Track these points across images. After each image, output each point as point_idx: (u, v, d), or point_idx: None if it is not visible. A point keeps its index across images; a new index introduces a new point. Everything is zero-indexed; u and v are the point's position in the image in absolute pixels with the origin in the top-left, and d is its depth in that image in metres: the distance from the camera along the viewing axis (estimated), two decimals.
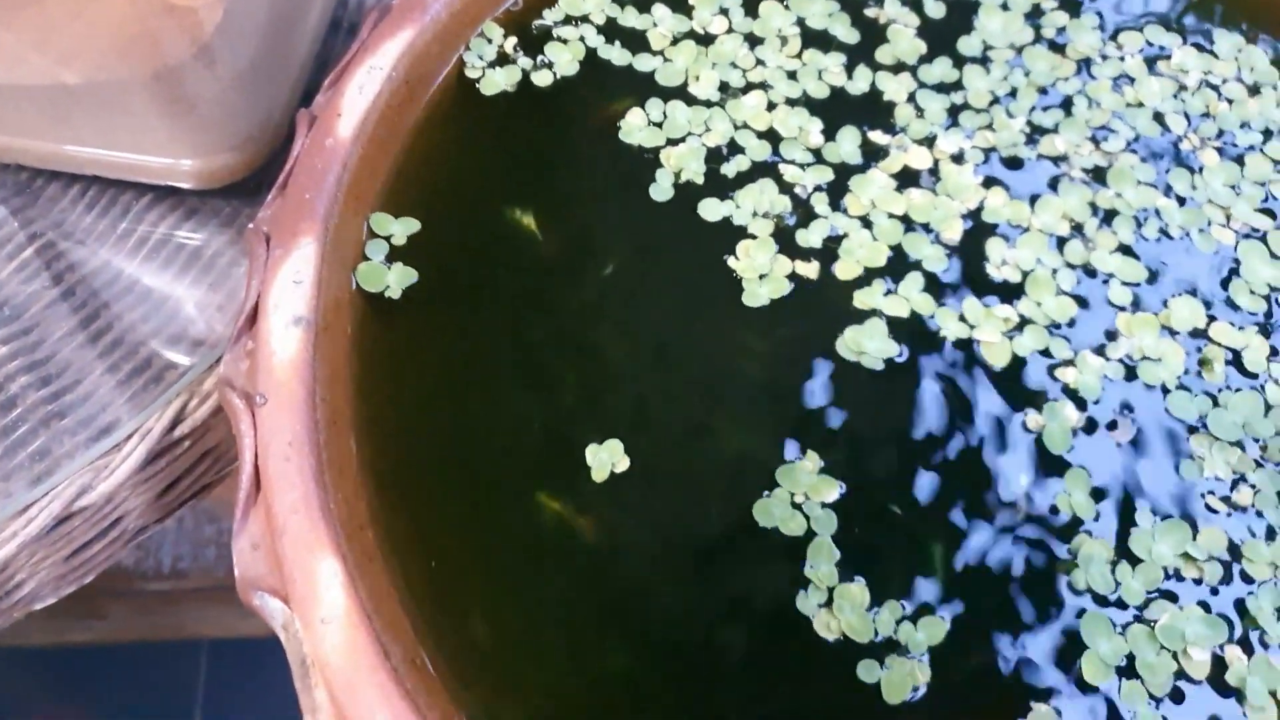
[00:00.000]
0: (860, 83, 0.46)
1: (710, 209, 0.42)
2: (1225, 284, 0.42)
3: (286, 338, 0.37)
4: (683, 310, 0.41)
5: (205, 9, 0.45)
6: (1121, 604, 0.35)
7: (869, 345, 0.39)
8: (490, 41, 0.47)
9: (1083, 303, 0.41)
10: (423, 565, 0.36)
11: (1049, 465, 0.37)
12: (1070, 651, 0.34)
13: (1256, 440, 0.38)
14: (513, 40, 0.47)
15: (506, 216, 0.43)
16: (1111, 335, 0.40)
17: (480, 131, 0.45)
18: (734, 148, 0.44)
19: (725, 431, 0.38)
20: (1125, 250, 0.42)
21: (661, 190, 0.43)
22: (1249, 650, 0.34)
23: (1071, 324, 0.40)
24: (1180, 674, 0.33)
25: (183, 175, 0.49)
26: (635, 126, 0.45)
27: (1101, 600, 0.35)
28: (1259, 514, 0.36)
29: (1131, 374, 0.39)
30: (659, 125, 0.45)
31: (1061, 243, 0.42)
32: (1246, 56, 0.47)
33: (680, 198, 0.43)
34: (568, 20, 0.47)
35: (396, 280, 0.41)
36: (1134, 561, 0.35)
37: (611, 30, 0.47)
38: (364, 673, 0.32)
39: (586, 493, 0.37)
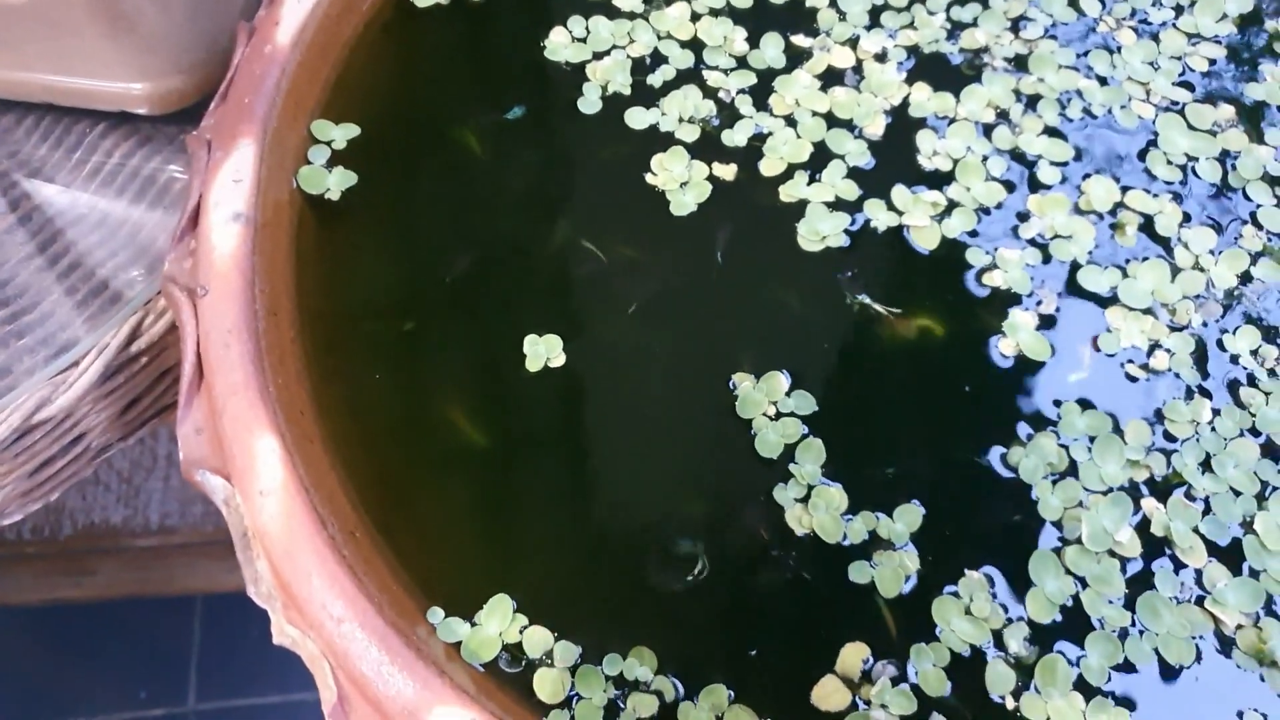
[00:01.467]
0: None
1: (636, 117, 0.43)
2: (1143, 155, 0.42)
3: (226, 233, 0.38)
4: (614, 219, 0.41)
5: None
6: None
7: (823, 227, 0.40)
8: None
9: (1011, 186, 0.42)
10: (360, 449, 0.37)
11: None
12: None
13: (1165, 305, 0.39)
14: None
15: (441, 127, 0.43)
16: (1024, 216, 0.41)
17: (417, 43, 0.45)
18: (658, 58, 0.45)
19: (665, 338, 0.39)
20: (1051, 132, 0.43)
21: (589, 103, 0.43)
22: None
23: (1000, 207, 0.41)
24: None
25: (134, 100, 0.50)
26: (560, 44, 0.45)
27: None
28: (1176, 375, 0.38)
29: (1046, 254, 0.40)
30: (583, 40, 0.45)
31: (989, 130, 0.43)
32: None
33: (609, 109, 0.43)
34: None
35: (336, 183, 0.41)
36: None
37: None
38: (302, 541, 0.32)
39: (522, 382, 0.38)
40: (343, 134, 0.42)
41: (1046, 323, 0.39)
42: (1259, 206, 0.41)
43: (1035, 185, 0.42)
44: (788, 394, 0.37)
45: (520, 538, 0.36)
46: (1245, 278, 0.40)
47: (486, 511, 0.36)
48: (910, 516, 0.35)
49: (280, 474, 0.33)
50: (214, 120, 0.41)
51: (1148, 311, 0.39)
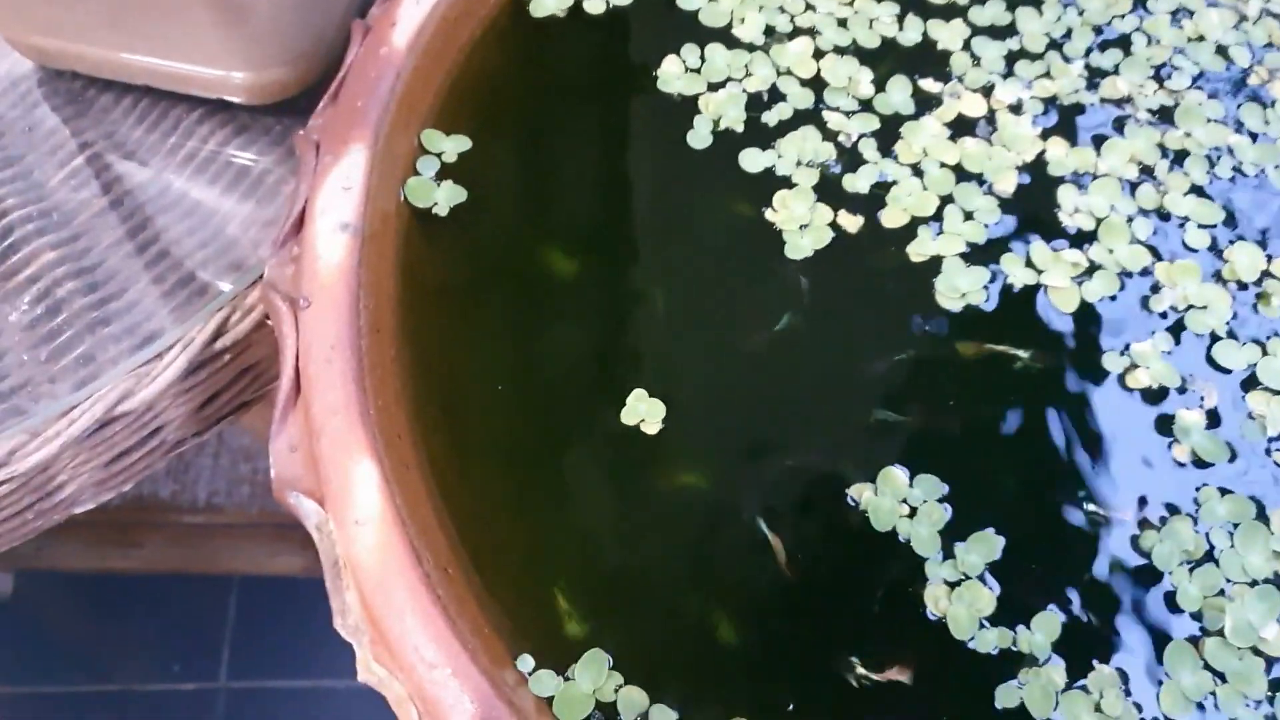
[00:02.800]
0: (912, 33, 0.43)
1: (751, 159, 0.40)
2: None
3: (333, 243, 0.36)
4: (723, 262, 0.39)
5: None
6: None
7: (962, 283, 0.37)
8: None
9: (1156, 253, 0.39)
10: (458, 477, 0.35)
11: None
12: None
13: None
14: None
15: (553, 147, 0.41)
16: (1156, 287, 0.38)
17: (532, 54, 0.43)
18: (776, 94, 0.42)
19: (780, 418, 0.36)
20: (1198, 191, 0.40)
21: (699, 138, 0.41)
22: None
23: (1144, 272, 0.38)
24: None
25: (234, 88, 0.48)
26: (672, 75, 0.42)
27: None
28: None
29: (1180, 325, 0.37)
30: (697, 71, 0.42)
31: (1133, 187, 0.40)
32: None
33: (719, 145, 0.41)
34: None
35: (445, 198, 0.39)
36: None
37: None
38: (396, 575, 0.31)
39: (620, 433, 0.36)
40: (454, 146, 0.40)
41: (1212, 419, 0.36)
42: None
43: (1181, 248, 0.39)
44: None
45: (623, 590, 0.33)
46: None
47: (589, 557, 0.34)
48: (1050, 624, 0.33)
49: (378, 503, 0.32)
50: (323, 121, 0.39)
51: None
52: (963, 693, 0.31)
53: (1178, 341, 0.37)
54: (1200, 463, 0.35)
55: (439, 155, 0.40)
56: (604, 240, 0.39)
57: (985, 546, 0.33)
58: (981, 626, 0.32)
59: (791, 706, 0.31)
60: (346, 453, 0.32)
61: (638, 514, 0.34)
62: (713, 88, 0.42)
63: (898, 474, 0.34)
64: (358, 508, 0.31)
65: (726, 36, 0.43)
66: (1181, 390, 0.36)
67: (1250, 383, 0.36)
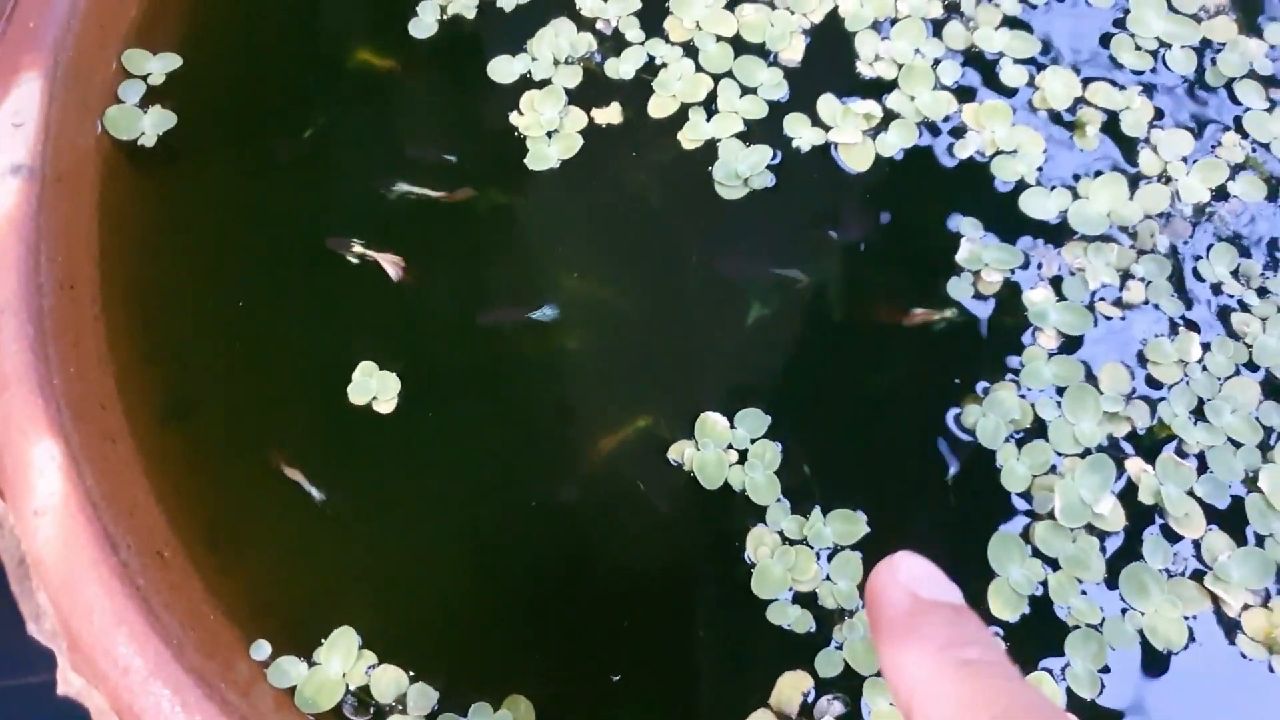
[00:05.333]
0: None
1: (503, 69, 0.34)
2: (1106, 40, 0.35)
3: (2, 190, 0.29)
4: (460, 171, 0.33)
5: None
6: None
7: (742, 168, 0.32)
8: None
9: (964, 96, 0.34)
10: (186, 447, 0.29)
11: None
12: None
13: (1125, 229, 0.32)
14: None
15: (274, 53, 0.35)
16: (959, 131, 0.33)
17: None
18: None
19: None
20: (1012, 23, 0.35)
21: (423, 26, 0.35)
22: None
23: (948, 120, 0.34)
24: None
25: None
26: None
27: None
28: (1156, 307, 0.31)
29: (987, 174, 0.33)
30: None
31: (939, 27, 0.35)
32: None
33: (445, 34, 0.35)
34: None
35: (152, 125, 0.33)
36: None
37: None
38: (84, 569, 0.25)
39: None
40: (161, 65, 0.34)
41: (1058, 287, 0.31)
42: (1247, 110, 0.33)
43: (995, 89, 0.34)
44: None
45: (370, 559, 0.28)
46: (1220, 193, 0.32)
47: (333, 528, 0.28)
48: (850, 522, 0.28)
49: (60, 487, 0.26)
50: None
51: (1106, 239, 0.31)
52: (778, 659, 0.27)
53: (980, 193, 0.32)
54: (1071, 343, 0.30)
55: (144, 77, 0.34)
56: (326, 152, 0.33)
57: (847, 525, 0.28)
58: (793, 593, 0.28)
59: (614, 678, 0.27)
60: (22, 432, 0.26)
61: (391, 487, 0.29)
62: None
63: (717, 419, 0.29)
64: (36, 495, 0.26)
65: None
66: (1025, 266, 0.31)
67: (1063, 232, 0.32)
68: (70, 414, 0.27)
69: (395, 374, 0.30)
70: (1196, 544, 0.28)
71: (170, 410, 0.30)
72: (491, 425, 0.29)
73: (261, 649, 0.27)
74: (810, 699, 0.26)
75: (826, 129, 0.33)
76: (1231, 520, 0.28)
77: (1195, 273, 0.31)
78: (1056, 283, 0.31)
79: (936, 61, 0.34)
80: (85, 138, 0.32)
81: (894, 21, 0.35)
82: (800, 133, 0.33)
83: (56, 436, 0.27)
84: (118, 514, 0.27)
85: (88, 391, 0.29)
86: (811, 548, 0.28)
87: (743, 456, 0.29)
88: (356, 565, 0.28)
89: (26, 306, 0.28)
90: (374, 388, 0.30)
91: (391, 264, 0.31)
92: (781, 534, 0.28)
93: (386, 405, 0.29)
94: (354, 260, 0.31)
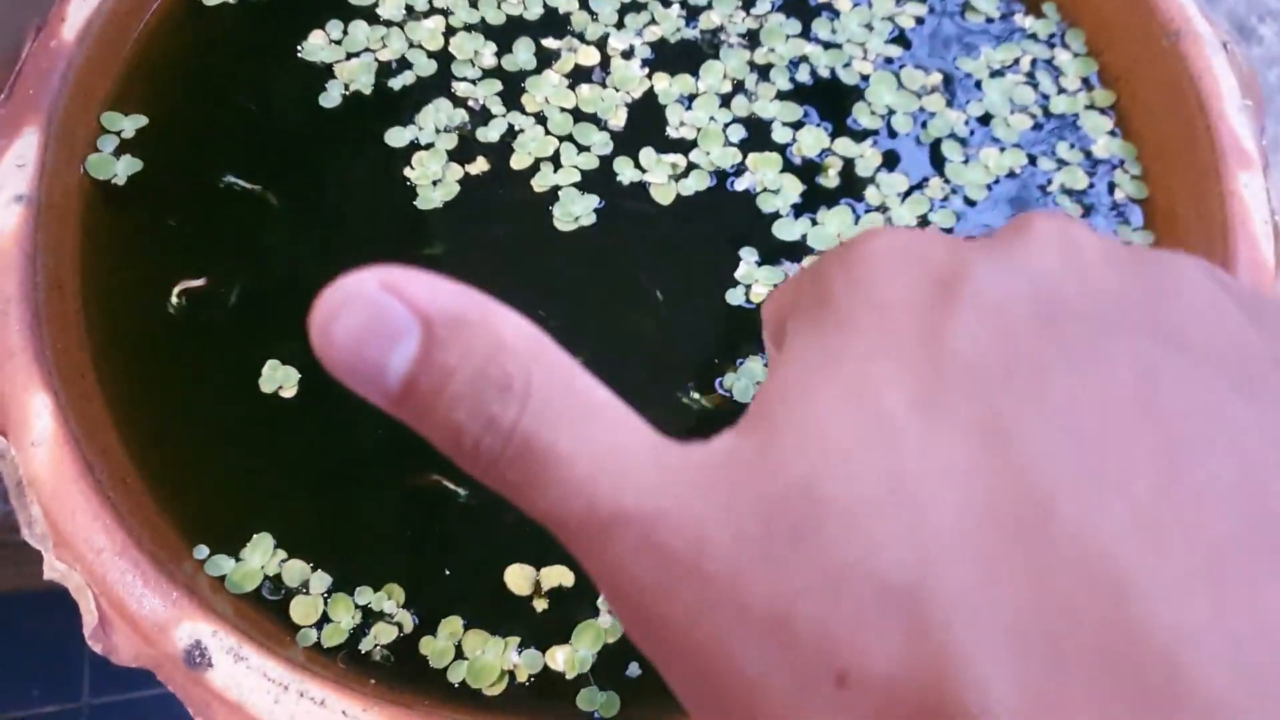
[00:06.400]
0: (535, 8, 0.48)
1: (396, 136, 0.44)
2: (848, 108, 0.46)
3: (7, 213, 0.39)
4: (366, 215, 0.43)
5: None
6: None
7: (575, 209, 0.42)
8: None
9: (748, 146, 0.44)
10: (139, 410, 0.39)
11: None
12: None
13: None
14: None
15: (219, 118, 0.45)
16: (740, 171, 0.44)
17: (203, 38, 0.47)
18: (404, 64, 0.46)
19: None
20: (782, 95, 0.45)
21: (330, 99, 0.45)
22: None
23: (737, 169, 0.44)
24: None
25: None
26: (316, 46, 0.46)
27: None
28: None
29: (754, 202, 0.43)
30: (338, 43, 0.46)
31: (728, 99, 0.45)
32: None
33: (348, 107, 0.45)
34: None
35: (123, 170, 0.43)
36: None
37: None
38: (69, 484, 0.34)
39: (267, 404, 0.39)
40: (131, 124, 0.44)
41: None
42: (948, 161, 0.45)
43: (768, 145, 0.45)
44: None
45: (286, 484, 0.38)
46: (923, 221, 0.44)
47: (258, 462, 0.38)
48: None
49: (51, 427, 0.35)
50: (1, 112, 0.42)
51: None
52: None
53: (750, 221, 0.43)
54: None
55: (118, 133, 0.43)
56: (256, 196, 0.43)
57: None
58: None
59: (447, 571, 0.36)
60: (23, 388, 0.36)
61: (300, 422, 0.39)
62: (350, 56, 0.46)
63: None
64: (33, 432, 0.35)
65: (370, 14, 0.47)
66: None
67: (805, 249, 0.43)
68: (59, 377, 0.37)
69: (295, 368, 0.39)
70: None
71: (131, 378, 0.39)
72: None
73: (201, 550, 0.36)
74: None
75: (643, 171, 0.44)
76: None
77: None
78: None
79: (725, 125, 0.45)
80: (71, 176, 0.42)
81: (694, 97, 0.46)
82: (624, 171, 0.44)
83: (48, 391, 0.36)
84: (93, 451, 0.36)
85: (71, 363, 0.38)
86: None
87: None
88: (274, 490, 0.38)
89: (26, 299, 0.38)
90: (279, 378, 0.39)
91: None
92: None
93: (289, 391, 0.39)
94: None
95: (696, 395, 0.39)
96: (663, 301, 0.41)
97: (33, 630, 0.84)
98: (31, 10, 0.50)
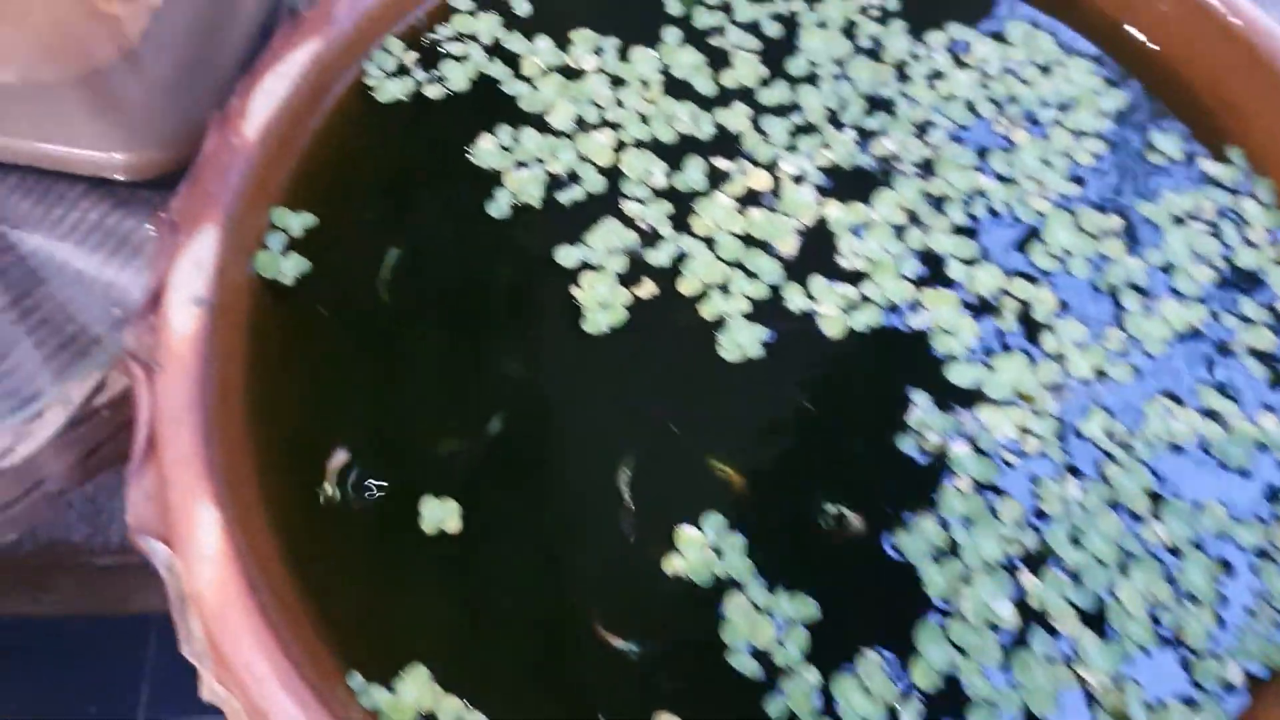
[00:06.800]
0: (706, 126, 0.47)
1: (566, 255, 0.43)
2: (1023, 246, 0.44)
3: (185, 315, 0.39)
4: (531, 335, 0.42)
5: (130, 16, 0.47)
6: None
7: (743, 339, 0.41)
8: (391, 55, 0.49)
9: (922, 283, 0.43)
10: (300, 519, 0.38)
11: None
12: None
13: (1024, 396, 0.41)
14: (412, 54, 0.49)
15: (388, 220, 0.45)
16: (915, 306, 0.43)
17: (374, 135, 0.47)
18: (574, 178, 0.45)
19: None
20: (958, 230, 0.45)
21: (498, 208, 0.44)
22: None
23: (912, 305, 0.43)
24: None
25: (113, 168, 0.51)
26: (486, 151, 0.46)
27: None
28: (1046, 456, 0.40)
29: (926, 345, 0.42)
30: (508, 150, 0.46)
31: (901, 231, 0.44)
32: (1036, 41, 0.51)
33: (516, 217, 0.45)
34: (459, 37, 0.50)
35: (291, 269, 0.43)
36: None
37: (496, 52, 0.50)
38: (233, 604, 0.34)
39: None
40: (300, 222, 0.44)
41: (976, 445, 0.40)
42: (1127, 311, 0.43)
43: (942, 281, 0.44)
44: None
45: (444, 614, 0.37)
46: (1100, 373, 0.42)
47: (415, 587, 0.38)
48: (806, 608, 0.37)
49: (218, 542, 0.35)
50: (180, 204, 0.42)
51: (1011, 403, 0.41)
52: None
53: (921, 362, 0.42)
54: (981, 487, 0.39)
55: (286, 230, 0.44)
56: (425, 302, 0.43)
57: (802, 606, 0.36)
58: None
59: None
60: (192, 500, 0.36)
61: (469, 549, 0.38)
62: (519, 166, 0.46)
63: (692, 532, 0.38)
64: (201, 547, 0.35)
65: (540, 123, 0.47)
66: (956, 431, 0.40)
67: (978, 397, 0.41)
68: (226, 489, 0.37)
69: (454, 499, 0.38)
70: (1069, 638, 0.36)
71: (292, 487, 0.39)
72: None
73: (355, 679, 0.35)
74: None
75: (813, 300, 0.43)
76: (1096, 620, 0.36)
77: (1077, 431, 0.40)
78: (973, 439, 0.40)
79: (899, 257, 0.44)
80: (240, 274, 0.42)
81: (867, 226, 0.45)
82: (794, 299, 0.43)
83: (216, 504, 0.36)
84: (256, 568, 0.36)
85: (237, 474, 0.38)
86: (773, 617, 0.36)
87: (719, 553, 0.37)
88: (429, 619, 0.37)
89: (198, 406, 0.38)
90: (439, 517, 0.38)
91: None
92: (753, 603, 0.36)
93: (453, 526, 0.38)
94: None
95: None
96: (829, 447, 0.40)
97: (94, 649, 0.84)
98: (187, 92, 0.52)
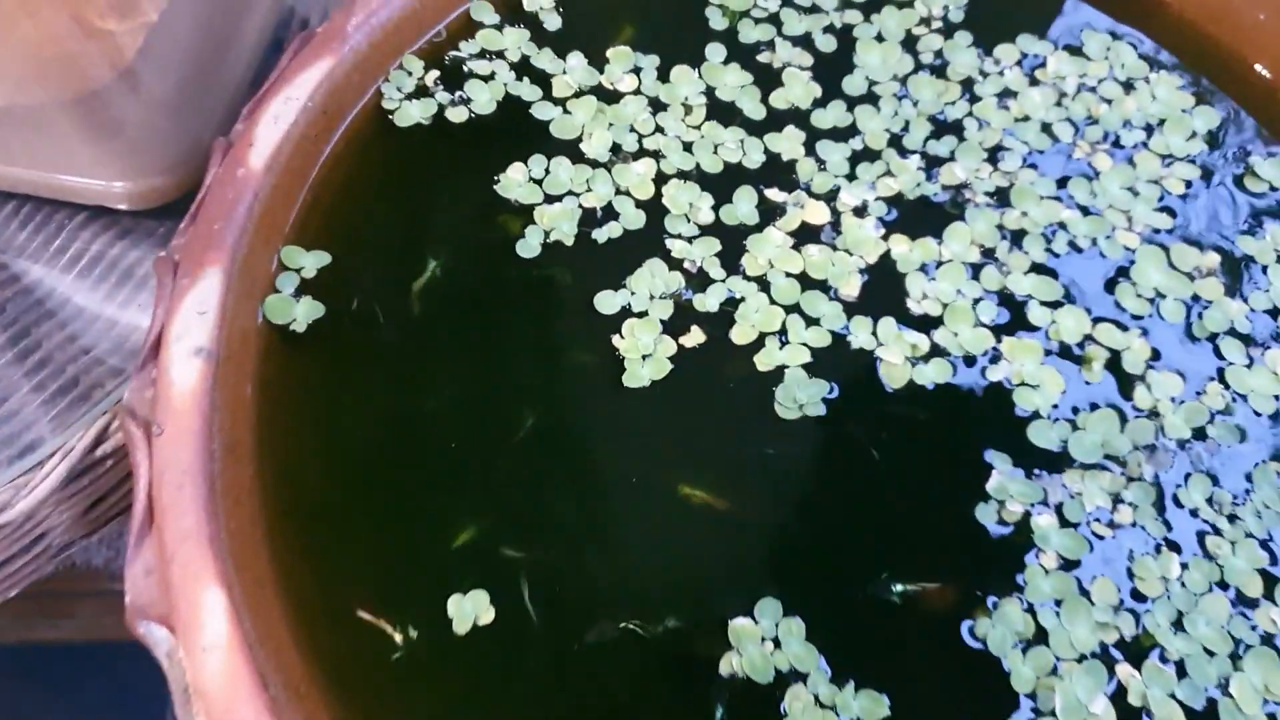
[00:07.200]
0: (755, 154, 0.43)
1: (607, 302, 0.39)
2: (1110, 287, 0.41)
3: (187, 368, 0.36)
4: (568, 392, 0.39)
5: (126, 33, 0.44)
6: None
7: (801, 395, 0.37)
8: (410, 74, 0.45)
9: (1001, 330, 0.39)
10: (317, 593, 0.35)
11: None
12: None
13: (1115, 458, 0.37)
14: (433, 74, 0.46)
15: (408, 260, 0.41)
16: (996, 358, 0.39)
17: (392, 164, 0.43)
18: (610, 212, 0.42)
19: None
20: (1038, 269, 0.41)
21: (528, 248, 0.41)
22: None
23: (990, 355, 0.39)
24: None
25: (114, 197, 0.48)
26: (514, 183, 0.42)
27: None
28: (1141, 528, 0.36)
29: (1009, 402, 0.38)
30: (539, 182, 0.42)
31: (977, 270, 0.41)
32: (1115, 54, 0.47)
33: (546, 255, 0.41)
34: (484, 54, 0.46)
35: (304, 314, 0.39)
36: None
37: (525, 71, 0.46)
38: (242, 702, 0.31)
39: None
40: (313, 261, 0.40)
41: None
42: (1229, 364, 0.39)
43: (1023, 327, 0.40)
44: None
45: (463, 710, 0.34)
46: (1200, 434, 0.38)
47: (444, 684, 0.34)
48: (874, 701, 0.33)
49: (225, 629, 0.31)
50: (183, 242, 0.39)
51: (1100, 467, 0.37)
52: None
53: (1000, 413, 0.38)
54: (1069, 564, 0.35)
55: (298, 271, 0.40)
56: (449, 350, 0.39)
57: (872, 703, 0.33)
58: None
59: None
60: (196, 579, 0.32)
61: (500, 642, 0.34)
62: (550, 200, 0.42)
63: (746, 624, 0.34)
64: (206, 634, 0.31)
65: (573, 150, 0.43)
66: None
67: (1063, 460, 0.37)
68: (233, 565, 0.33)
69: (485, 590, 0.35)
70: None
71: (306, 557, 0.36)
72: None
73: None
74: None
75: (880, 343, 0.39)
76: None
77: (1175, 499, 0.36)
78: (1059, 508, 0.36)
79: (976, 301, 0.40)
80: (248, 321, 0.39)
81: (939, 264, 0.41)
82: (859, 338, 0.39)
83: (222, 585, 0.32)
84: (268, 655, 0.32)
85: (244, 544, 0.34)
86: (839, 715, 0.33)
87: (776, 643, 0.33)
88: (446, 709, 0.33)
89: (202, 470, 0.34)
90: (469, 612, 0.34)
91: None
92: (816, 697, 0.33)
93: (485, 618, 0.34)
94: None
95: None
96: (898, 518, 0.36)
97: (120, 676, 0.83)
98: (192, 114, 0.48)
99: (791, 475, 0.37)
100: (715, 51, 0.46)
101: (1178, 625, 0.34)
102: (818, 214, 0.42)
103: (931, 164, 0.43)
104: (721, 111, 0.45)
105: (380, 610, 0.35)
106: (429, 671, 0.34)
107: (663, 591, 0.35)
